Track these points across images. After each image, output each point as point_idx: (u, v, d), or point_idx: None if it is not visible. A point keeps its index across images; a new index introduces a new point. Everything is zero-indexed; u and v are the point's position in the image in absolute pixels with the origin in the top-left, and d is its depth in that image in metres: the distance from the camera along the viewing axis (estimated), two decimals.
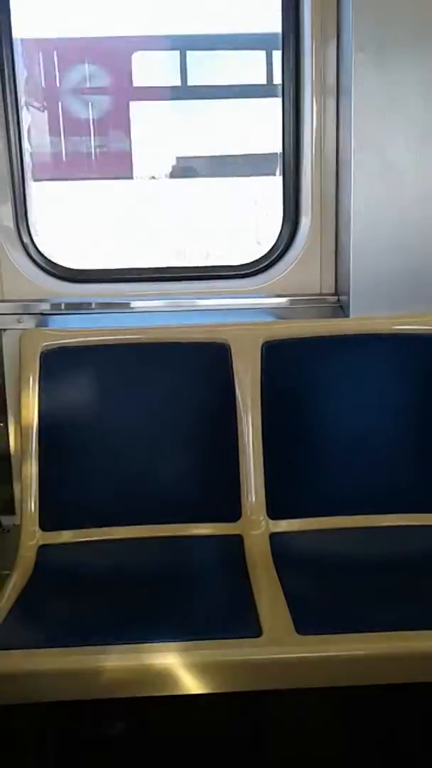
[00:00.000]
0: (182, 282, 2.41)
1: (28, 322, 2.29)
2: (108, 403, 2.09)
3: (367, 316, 2.13)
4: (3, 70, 2.24)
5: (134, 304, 2.33)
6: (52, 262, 2.40)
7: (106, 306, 2.34)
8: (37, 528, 1.98)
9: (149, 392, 2.09)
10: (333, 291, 2.30)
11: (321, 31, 2.17)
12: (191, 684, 1.51)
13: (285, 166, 2.34)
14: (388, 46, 2.02)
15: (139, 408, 2.08)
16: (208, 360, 2.08)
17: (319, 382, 2.08)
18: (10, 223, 2.32)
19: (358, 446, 2.05)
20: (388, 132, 2.08)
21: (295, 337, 2.08)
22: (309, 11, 2.17)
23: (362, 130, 2.08)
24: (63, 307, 2.33)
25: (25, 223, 2.36)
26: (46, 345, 2.06)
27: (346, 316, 2.19)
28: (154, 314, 2.33)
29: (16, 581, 1.80)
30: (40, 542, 1.97)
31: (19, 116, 2.31)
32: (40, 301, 2.32)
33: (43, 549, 1.95)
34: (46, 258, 2.39)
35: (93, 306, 2.34)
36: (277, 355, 2.07)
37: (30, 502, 2.01)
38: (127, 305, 2.34)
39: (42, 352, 2.06)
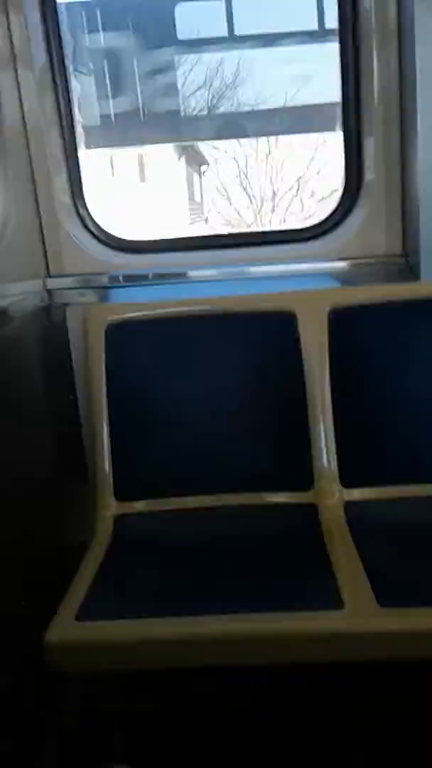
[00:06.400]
0: (241, 248, 2.37)
1: (90, 296, 2.30)
2: (176, 374, 2.09)
3: None
4: (49, 38, 2.19)
5: (193, 273, 2.31)
6: (110, 234, 2.39)
7: (165, 277, 2.32)
8: (112, 499, 2.02)
9: (216, 363, 2.08)
10: (401, 252, 2.23)
11: None
12: (273, 654, 1.53)
13: (345, 120, 2.25)
14: None
15: (207, 378, 2.08)
16: (275, 329, 2.06)
17: (388, 348, 2.04)
18: (66, 198, 2.31)
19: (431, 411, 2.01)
20: None
21: (363, 304, 2.04)
22: None
23: (427, 75, 1.97)
24: (122, 279, 2.33)
25: (81, 197, 2.34)
26: (110, 319, 2.07)
27: (416, 277, 2.12)
28: (213, 283, 2.30)
29: (95, 552, 1.84)
30: (116, 512, 2.00)
31: (69, 86, 2.27)
32: (100, 274, 2.32)
33: (118, 519, 1.99)
34: (103, 230, 2.38)
35: (151, 277, 2.33)
36: (345, 323, 2.03)
37: (104, 473, 2.04)
38: (185, 275, 2.32)
39: (107, 327, 2.06)
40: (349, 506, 1.93)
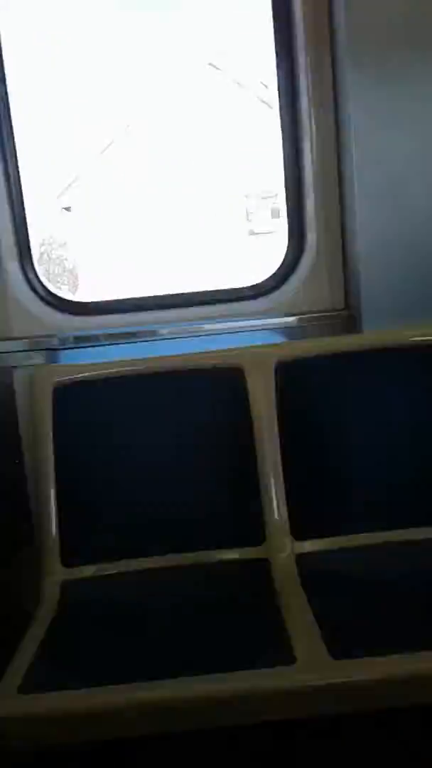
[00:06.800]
0: (189, 308, 2.40)
1: (38, 359, 2.29)
2: (124, 434, 2.06)
3: (380, 330, 2.10)
4: None
5: (142, 333, 2.32)
6: (58, 297, 2.40)
7: (115, 337, 2.33)
8: (59, 564, 1.95)
9: (165, 421, 2.07)
10: (343, 306, 2.28)
11: (314, 44, 2.15)
12: (227, 716, 1.46)
13: (287, 183, 2.34)
14: (386, 55, 2.01)
15: (156, 437, 2.06)
16: (223, 385, 2.06)
17: (335, 399, 2.05)
18: (14, 261, 2.33)
19: (380, 461, 2.01)
20: (389, 142, 2.07)
21: (308, 357, 2.06)
22: (301, 24, 2.16)
23: (362, 143, 2.07)
24: (71, 340, 2.33)
25: (29, 260, 2.36)
26: (58, 380, 2.06)
27: (359, 330, 2.16)
28: (163, 342, 2.31)
29: (40, 620, 1.76)
30: (63, 578, 1.93)
31: (16, 152, 2.30)
32: (49, 336, 2.32)
33: (65, 585, 1.92)
34: (51, 292, 2.39)
35: (101, 338, 2.33)
36: (291, 375, 2.04)
37: (51, 538, 1.98)
38: (134, 335, 2.33)
39: (54, 388, 2.05)
40: (301, 558, 1.90)
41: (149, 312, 2.40)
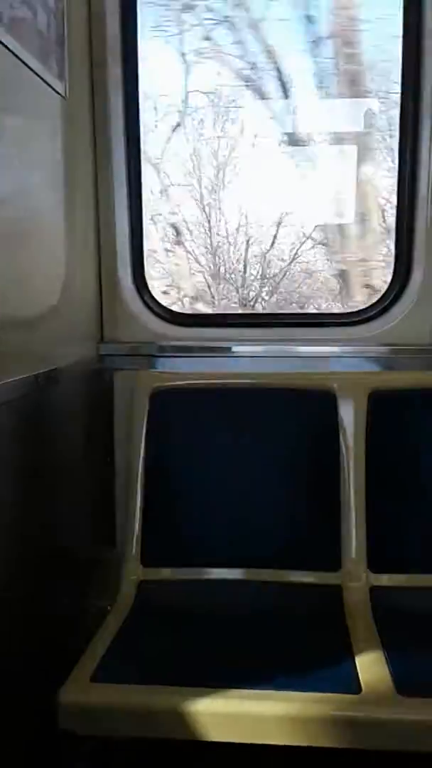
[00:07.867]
0: (285, 327, 2.44)
1: (139, 364, 2.38)
2: (213, 445, 2.12)
3: None
4: (128, 130, 2.37)
5: (238, 348, 2.39)
6: (163, 306, 2.50)
7: (211, 350, 2.40)
8: (138, 564, 2.03)
9: (254, 437, 2.11)
10: None
11: None
12: (285, 735, 1.49)
13: (399, 217, 2.35)
14: None
15: (243, 451, 2.11)
16: (314, 407, 2.09)
17: (425, 435, 2.04)
18: (127, 269, 2.44)
19: None
20: None
21: (403, 389, 2.07)
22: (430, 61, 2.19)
23: None
24: (170, 349, 2.42)
25: (141, 269, 2.47)
26: (156, 386, 2.14)
27: None
28: (256, 359, 2.37)
29: (116, 616, 1.83)
30: (141, 578, 2.01)
31: (140, 169, 2.43)
32: (150, 343, 2.42)
33: (142, 584, 1.99)
34: (157, 301, 2.49)
35: (198, 349, 2.42)
36: (384, 407, 2.05)
37: (133, 537, 2.06)
38: (230, 350, 2.40)
39: (152, 393, 2.13)
40: (375, 591, 1.90)
41: (247, 329, 2.46)
